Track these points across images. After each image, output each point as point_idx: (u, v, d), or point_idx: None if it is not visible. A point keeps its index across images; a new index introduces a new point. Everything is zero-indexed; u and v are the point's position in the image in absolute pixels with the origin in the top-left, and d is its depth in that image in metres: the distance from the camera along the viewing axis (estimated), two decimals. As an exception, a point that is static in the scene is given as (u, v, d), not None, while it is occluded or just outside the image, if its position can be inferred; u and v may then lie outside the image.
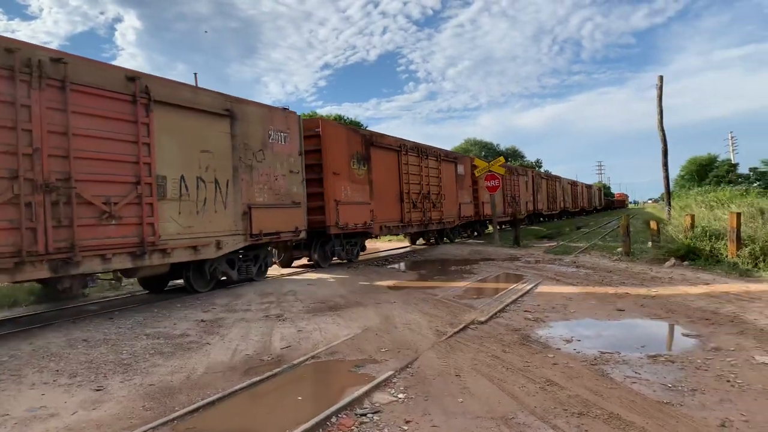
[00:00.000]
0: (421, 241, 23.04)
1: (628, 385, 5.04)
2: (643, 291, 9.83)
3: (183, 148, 9.63)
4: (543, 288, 10.54)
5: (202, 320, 8.07)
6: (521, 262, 15.06)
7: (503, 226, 31.34)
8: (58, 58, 7.72)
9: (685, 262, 13.19)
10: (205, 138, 10.11)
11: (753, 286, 9.95)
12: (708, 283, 10.36)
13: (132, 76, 8.76)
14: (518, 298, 9.46)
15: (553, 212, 43.89)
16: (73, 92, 7.86)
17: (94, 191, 8.06)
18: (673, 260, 13.22)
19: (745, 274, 11.40)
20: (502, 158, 23.13)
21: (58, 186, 7.58)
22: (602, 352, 6.08)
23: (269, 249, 12.63)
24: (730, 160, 63.71)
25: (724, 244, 13.01)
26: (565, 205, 49.38)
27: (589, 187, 74.93)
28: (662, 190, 24.56)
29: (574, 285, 10.73)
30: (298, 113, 12.85)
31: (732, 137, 72.53)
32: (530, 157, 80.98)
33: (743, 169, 58.92)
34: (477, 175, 22.91)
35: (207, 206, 10.07)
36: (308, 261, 14.95)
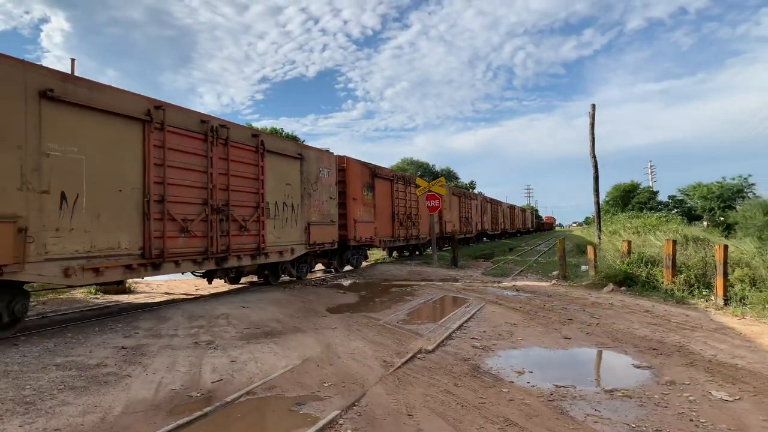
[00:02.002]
0: (395, 254, 26.83)
1: (590, 424, 4.73)
2: (586, 318, 9.75)
3: (276, 182, 12.98)
4: (487, 312, 10.30)
5: (123, 347, 7.25)
6: (461, 283, 14.86)
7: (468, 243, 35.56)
8: (223, 125, 11.22)
9: (623, 288, 13.36)
10: (287, 174, 13.49)
11: (692, 314, 10.08)
12: (648, 311, 10.42)
13: (255, 134, 12.29)
14: (463, 323, 9.15)
15: (496, 232, 47.71)
16: (231, 146, 11.36)
17: (239, 213, 11.56)
18: (611, 285, 13.37)
19: (681, 301, 11.61)
20: (443, 179, 23.20)
21: (223, 209, 11.02)
22: (557, 386, 5.79)
23: (312, 256, 15.78)
24: (651, 188, 66.91)
25: (660, 270, 13.23)
26: (504, 226, 53.48)
27: (523, 210, 78.62)
28: (586, 213, 25.48)
29: (517, 310, 10.55)
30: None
31: (651, 166, 76.53)
32: (464, 178, 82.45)
33: (662, 197, 62.07)
34: (418, 194, 22.90)
35: (287, 223, 13.41)
36: (323, 267, 18.19)
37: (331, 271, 17.99)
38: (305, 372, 6.24)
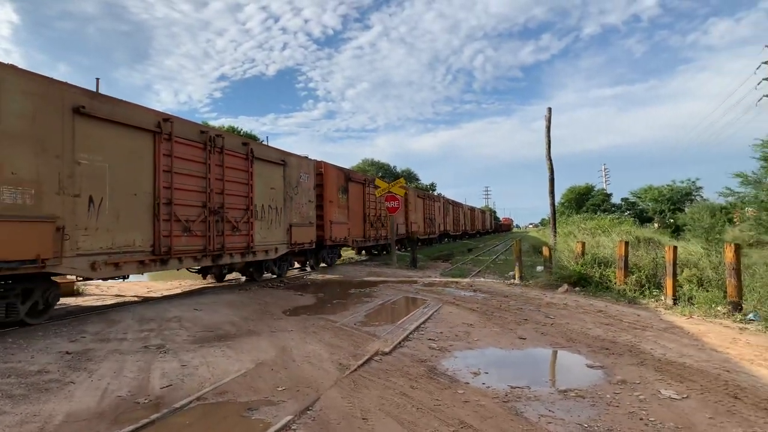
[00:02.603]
0: (364, 253, 27.89)
1: (544, 425, 4.76)
2: (541, 318, 9.87)
3: (263, 186, 14.14)
4: (444, 313, 10.33)
5: (68, 352, 6.95)
6: (420, 285, 14.92)
7: (422, 243, 36.74)
8: (219, 135, 12.46)
9: (577, 288, 13.62)
10: (272, 179, 14.68)
11: (643, 314, 10.33)
12: (601, 310, 10.64)
13: (245, 142, 13.51)
14: (421, 324, 9.14)
15: (457, 233, 48.76)
16: (225, 154, 12.51)
17: (232, 215, 12.67)
18: (566, 286, 13.61)
19: (633, 301, 11.90)
20: (402, 180, 23.30)
21: (219, 211, 12.17)
22: (512, 387, 5.82)
23: (292, 255, 16.79)
24: (605, 190, 68.50)
25: (613, 271, 13.53)
26: (465, 227, 54.56)
27: (482, 212, 80.00)
28: (542, 215, 25.96)
29: (474, 310, 10.62)
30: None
31: (605, 169, 78.36)
32: (424, 179, 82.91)
33: (616, 199, 63.54)
34: (377, 195, 22.89)
35: (272, 224, 14.57)
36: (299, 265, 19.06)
37: (306, 269, 19.10)
38: (259, 376, 6.10)
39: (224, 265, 13.44)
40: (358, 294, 12.95)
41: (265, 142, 16.15)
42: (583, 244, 15.53)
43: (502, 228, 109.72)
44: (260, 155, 14.06)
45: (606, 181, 76.82)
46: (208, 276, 15.33)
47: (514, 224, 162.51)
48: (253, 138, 43.73)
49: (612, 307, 11.12)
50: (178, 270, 11.89)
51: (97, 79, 10.00)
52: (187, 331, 8.35)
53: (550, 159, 24.14)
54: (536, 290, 13.76)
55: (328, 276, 17.01)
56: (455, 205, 49.92)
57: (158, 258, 10.45)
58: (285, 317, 9.83)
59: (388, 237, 25.20)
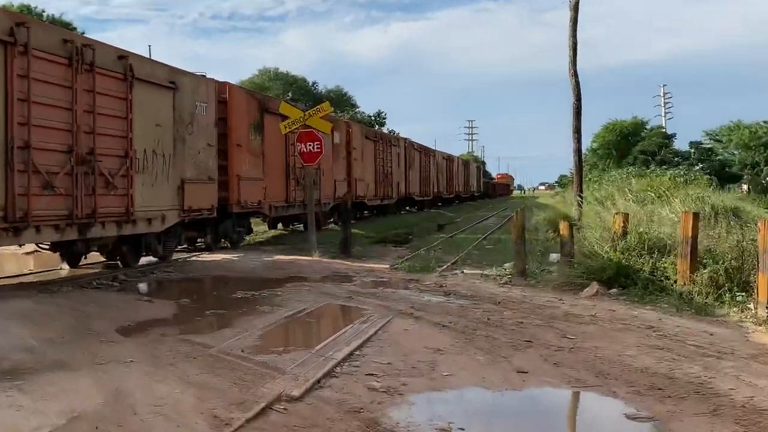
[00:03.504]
0: (280, 226, 29.52)
1: None
2: (554, 338, 9.98)
3: (145, 122, 14.91)
4: (395, 331, 10.36)
5: None
6: (356, 284, 14.98)
7: (373, 212, 40.10)
8: (87, 44, 13.34)
9: (613, 290, 13.80)
10: (157, 111, 15.47)
11: (719, 332, 10.57)
12: (652, 326, 10.82)
13: (122, 55, 14.35)
14: (356, 350, 9.12)
15: (425, 196, 49.59)
16: (96, 74, 13.41)
17: (105, 165, 13.64)
18: (595, 286, 13.77)
19: (703, 311, 12.16)
20: (327, 104, 22.91)
21: (89, 159, 13.14)
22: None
23: (182, 228, 17.85)
24: (663, 129, 69.64)
25: (672, 262, 13.68)
26: (439, 188, 55.30)
27: (465, 164, 79.32)
28: (560, 170, 26.22)
29: (444, 327, 10.69)
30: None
31: (664, 94, 79.73)
32: (365, 106, 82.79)
33: (682, 143, 64.59)
34: (285, 130, 22.53)
35: (157, 180, 15.37)
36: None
37: (201, 249, 20.41)
38: (72, 442, 5.94)
39: (92, 239, 14.37)
40: (249, 299, 12.91)
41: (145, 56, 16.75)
42: (626, 216, 15.67)
43: (496, 190, 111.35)
44: (142, 75, 14.93)
45: (666, 113, 78.21)
46: (61, 259, 16.07)
47: (515, 184, 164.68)
48: (67, 27, 42.85)
49: (669, 321, 11.30)
50: (37, 245, 14.08)
51: None
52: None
53: (575, 75, 24.19)
54: (547, 293, 13.93)
55: (197, 268, 16.79)
56: (424, 152, 50.35)
57: (11, 227, 11.41)
58: (121, 339, 9.69)
59: (329, 200, 26.47)
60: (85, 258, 16.36)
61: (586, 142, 63.94)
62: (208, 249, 20.07)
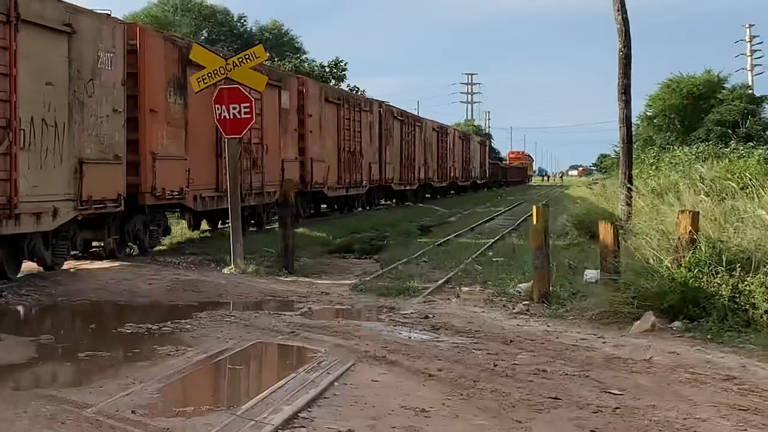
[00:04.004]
0: (205, 224, 25.33)
1: None
2: (590, 395, 8.28)
3: (32, 80, 12.95)
4: (360, 381, 8.75)
5: None
6: (302, 313, 13.26)
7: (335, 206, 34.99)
8: None
9: (677, 323, 11.97)
10: (48, 65, 13.47)
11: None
12: (733, 377, 9.18)
13: None
14: (300, 410, 7.32)
15: (407, 185, 44.73)
16: None
17: None
18: (651, 318, 11.83)
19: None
20: (260, 49, 19.37)
21: None
22: None
23: (77, 226, 15.71)
24: (750, 88, 62.79)
25: (763, 282, 11.78)
26: (427, 173, 50.16)
27: (464, 138, 70.94)
28: (601, 146, 23.87)
29: (431, 376, 9.01)
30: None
31: (752, 38, 71.13)
32: (316, 53, 78.94)
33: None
34: (199, 87, 18.72)
35: (47, 159, 13.38)
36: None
37: (100, 257, 17.42)
38: None
39: None
40: (149, 335, 11.40)
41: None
42: (695, 215, 13.42)
43: (508, 176, 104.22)
44: (30, 15, 12.76)
45: (754, 66, 71.23)
46: None
47: (536, 168, 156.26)
48: None
49: (758, 372, 9.58)
50: None
51: None
52: None
53: (624, 11, 21.24)
54: (581, 327, 12.22)
55: (76, 290, 14.46)
56: (407, 121, 45.03)
57: None
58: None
59: (275, 188, 24.24)
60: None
61: (638, 108, 57.69)
62: (111, 256, 17.17)
